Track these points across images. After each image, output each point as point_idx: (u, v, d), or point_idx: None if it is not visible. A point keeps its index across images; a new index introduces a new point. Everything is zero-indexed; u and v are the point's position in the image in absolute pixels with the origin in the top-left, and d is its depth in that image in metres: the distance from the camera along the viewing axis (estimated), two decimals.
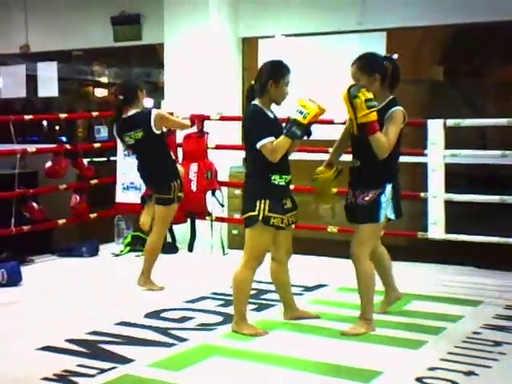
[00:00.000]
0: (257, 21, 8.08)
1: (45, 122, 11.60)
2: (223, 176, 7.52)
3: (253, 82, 4.63)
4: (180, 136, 7.35)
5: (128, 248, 7.33)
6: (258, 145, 4.39)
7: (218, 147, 7.32)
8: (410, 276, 6.16)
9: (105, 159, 9.03)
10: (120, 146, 7.62)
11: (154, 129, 5.67)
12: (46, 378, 3.85)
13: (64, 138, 8.20)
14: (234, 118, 7.32)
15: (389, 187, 4.46)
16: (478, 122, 6.84)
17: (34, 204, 6.94)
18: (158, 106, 9.39)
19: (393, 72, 4.49)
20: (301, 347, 4.36)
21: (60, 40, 9.68)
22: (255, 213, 4.42)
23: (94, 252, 7.22)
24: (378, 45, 7.57)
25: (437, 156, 6.38)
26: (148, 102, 9.32)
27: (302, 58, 7.83)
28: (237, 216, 7.41)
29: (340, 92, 4.36)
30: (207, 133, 7.29)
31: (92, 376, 3.89)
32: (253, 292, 5.26)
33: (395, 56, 4.55)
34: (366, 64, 4.46)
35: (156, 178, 5.81)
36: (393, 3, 7.41)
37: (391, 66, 4.50)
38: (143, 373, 3.95)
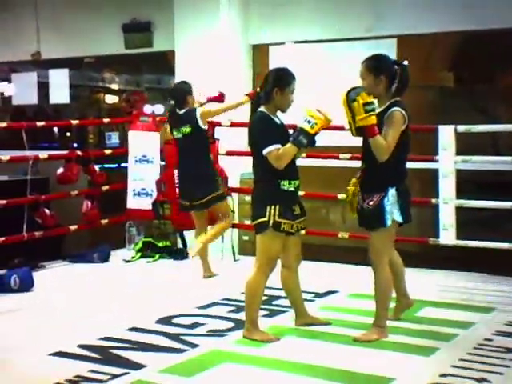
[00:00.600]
0: (267, 28, 8.09)
1: (56, 129, 11.65)
2: (234, 182, 7.53)
3: (258, 89, 4.66)
4: None
5: (139, 254, 7.35)
6: (265, 151, 4.42)
7: (228, 153, 7.33)
8: (421, 282, 6.14)
9: (116, 165, 9.07)
10: (132, 152, 7.68)
11: (200, 124, 6.20)
12: None
13: (75, 145, 8.25)
14: (244, 124, 7.29)
15: (392, 191, 4.43)
16: (489, 127, 6.83)
17: (46, 210, 6.98)
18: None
19: (401, 77, 4.48)
20: (312, 353, 4.36)
21: (71, 47, 9.72)
22: (265, 218, 4.44)
23: (105, 258, 7.24)
24: (388, 52, 7.56)
25: (448, 162, 6.37)
26: (158, 109, 9.39)
27: (313, 64, 7.84)
28: (247, 222, 7.41)
29: (340, 95, 4.38)
30: (218, 139, 7.30)
31: (104, 382, 3.90)
32: (264, 298, 5.26)
33: (406, 62, 4.52)
34: (374, 64, 4.48)
35: (205, 178, 6.24)
36: (403, 10, 7.42)
37: (401, 70, 4.48)
38: (155, 378, 3.96)
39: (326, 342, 4.58)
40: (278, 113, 4.64)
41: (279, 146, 4.40)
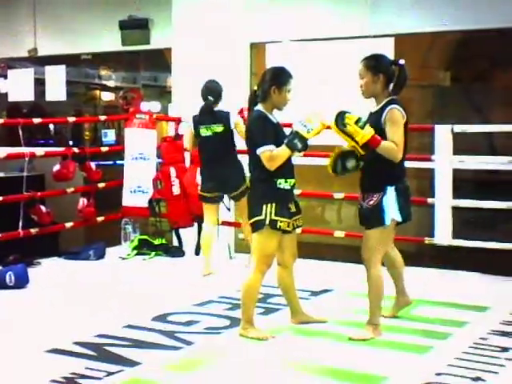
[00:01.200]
0: (265, 26, 8.09)
1: (51, 126, 11.65)
2: None
3: (255, 88, 4.68)
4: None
5: (135, 251, 7.34)
6: (258, 151, 4.44)
7: None
8: (416, 281, 6.13)
9: (112, 163, 9.06)
10: (129, 149, 7.67)
11: (232, 126, 6.39)
12: (53, 381, 3.86)
13: (70, 142, 8.24)
14: None
15: (391, 190, 4.46)
16: (485, 127, 6.85)
17: (42, 207, 6.98)
18: (165, 110, 9.44)
19: (399, 76, 4.53)
20: (307, 352, 4.37)
21: (68, 44, 9.72)
22: (262, 217, 4.45)
23: (100, 255, 7.24)
24: (385, 50, 7.58)
25: (444, 162, 6.39)
26: (154, 106, 9.39)
27: (310, 63, 7.84)
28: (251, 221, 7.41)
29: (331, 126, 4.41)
30: None
31: (99, 379, 3.90)
32: (260, 296, 5.27)
33: (402, 61, 4.56)
34: (373, 63, 4.54)
35: (238, 171, 6.40)
36: (401, 9, 7.42)
37: (398, 70, 4.53)
38: (150, 376, 3.96)
39: (321, 340, 4.59)
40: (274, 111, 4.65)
41: (273, 146, 4.42)
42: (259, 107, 4.59)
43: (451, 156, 6.40)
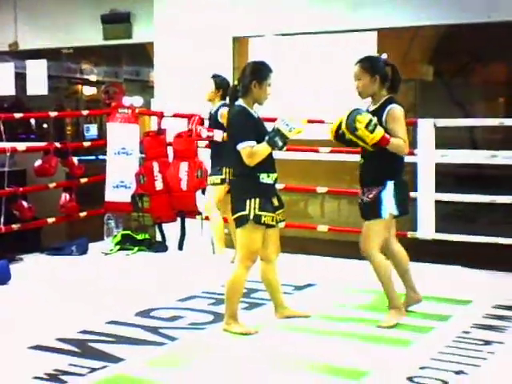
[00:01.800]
0: (248, 20, 8.08)
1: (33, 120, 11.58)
2: None
3: (236, 83, 4.67)
4: (171, 135, 7.35)
5: (118, 247, 7.31)
6: (239, 147, 4.44)
7: (208, 146, 7.31)
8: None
9: (94, 157, 9.03)
10: (111, 144, 7.63)
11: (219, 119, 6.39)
12: (36, 377, 3.84)
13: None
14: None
15: (390, 184, 4.63)
16: (468, 121, 6.88)
17: (24, 202, 6.93)
18: (147, 104, 9.41)
19: (394, 76, 4.75)
20: (291, 346, 4.37)
21: (49, 38, 9.66)
22: (246, 212, 4.45)
23: (83, 251, 7.20)
24: (368, 44, 7.60)
25: (427, 156, 6.41)
26: (137, 101, 9.35)
27: (293, 57, 7.85)
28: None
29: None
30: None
31: (83, 375, 3.88)
32: (243, 291, 5.29)
33: (384, 56, 4.76)
34: (369, 65, 4.72)
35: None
36: (383, 4, 7.43)
37: (391, 70, 4.75)
38: (134, 372, 3.95)
39: (304, 334, 4.59)
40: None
41: (253, 143, 4.42)
42: (240, 102, 4.58)
43: (434, 150, 6.42)
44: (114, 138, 7.68)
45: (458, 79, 8.52)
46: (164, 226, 7.47)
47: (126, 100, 8.00)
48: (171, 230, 7.43)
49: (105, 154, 7.81)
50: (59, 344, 4.37)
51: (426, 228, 6.45)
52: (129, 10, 8.91)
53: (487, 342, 4.41)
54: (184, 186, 7.17)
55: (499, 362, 4.12)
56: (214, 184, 6.48)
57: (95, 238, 7.64)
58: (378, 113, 4.64)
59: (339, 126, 4.73)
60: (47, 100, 10.73)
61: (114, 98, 7.90)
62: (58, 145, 7.29)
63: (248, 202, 4.44)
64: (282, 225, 4.77)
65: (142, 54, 9.39)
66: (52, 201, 7.36)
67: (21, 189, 6.96)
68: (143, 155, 7.59)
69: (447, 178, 7.39)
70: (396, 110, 4.63)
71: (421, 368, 3.97)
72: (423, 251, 6.89)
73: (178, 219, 7.36)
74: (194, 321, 4.89)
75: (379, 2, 7.44)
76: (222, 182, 6.38)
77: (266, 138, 4.44)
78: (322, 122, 6.44)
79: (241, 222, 4.49)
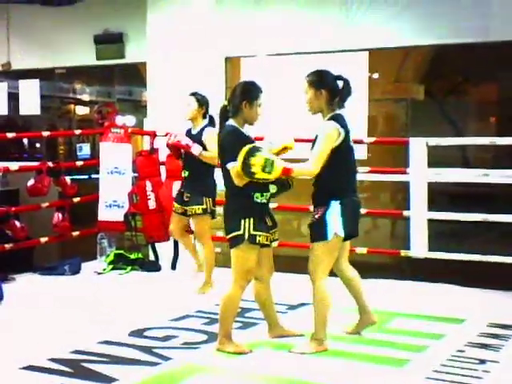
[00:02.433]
0: (240, 40, 8.12)
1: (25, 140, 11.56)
2: None
3: (226, 103, 4.67)
4: (163, 154, 7.34)
5: (111, 266, 7.29)
6: (228, 166, 4.45)
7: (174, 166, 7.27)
8: (392, 294, 6.18)
9: (87, 177, 9.01)
10: (104, 163, 7.62)
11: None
12: None
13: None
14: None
15: (335, 204, 4.48)
16: (460, 140, 6.91)
17: (16, 222, 6.91)
18: (140, 124, 9.42)
19: (343, 91, 4.57)
20: (285, 366, 4.36)
21: (42, 58, 9.68)
22: (241, 232, 4.44)
23: (76, 270, 7.18)
24: (359, 64, 7.65)
25: (419, 175, 6.43)
26: (130, 120, 9.36)
27: (285, 77, 7.88)
28: (219, 234, 7.39)
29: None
30: None
31: None
32: (237, 311, 5.27)
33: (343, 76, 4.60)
34: (315, 79, 4.61)
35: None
36: (375, 24, 7.48)
37: (343, 83, 4.58)
38: None
39: (298, 354, 4.57)
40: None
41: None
42: (231, 122, 4.59)
43: (426, 169, 6.44)
44: (106, 157, 7.68)
45: (450, 99, 8.56)
46: (157, 245, 7.46)
47: (119, 120, 8.01)
48: (164, 249, 7.42)
49: (98, 173, 7.80)
50: (51, 364, 4.35)
51: (419, 246, 6.46)
52: (121, 30, 8.94)
53: (482, 361, 4.40)
54: None
55: (495, 381, 4.12)
56: (196, 214, 6.24)
57: (88, 258, 7.61)
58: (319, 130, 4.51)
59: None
60: (40, 120, 10.72)
61: (106, 118, 7.91)
62: (50, 164, 7.29)
63: (243, 221, 4.43)
64: (275, 244, 4.77)
65: (135, 74, 9.41)
66: (45, 220, 7.35)
67: (13, 208, 6.95)
68: (136, 174, 7.58)
69: (441, 196, 7.42)
70: (327, 126, 4.45)
71: None
72: (417, 270, 6.91)
73: (171, 239, 7.34)
74: (187, 340, 4.86)
75: (371, 22, 7.49)
76: (204, 212, 6.22)
77: None
78: (309, 141, 6.44)
79: (236, 241, 4.48)
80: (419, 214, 6.45)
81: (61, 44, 9.44)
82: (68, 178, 7.47)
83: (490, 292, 6.30)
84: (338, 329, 4.92)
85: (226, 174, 4.54)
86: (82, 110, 12.07)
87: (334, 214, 4.48)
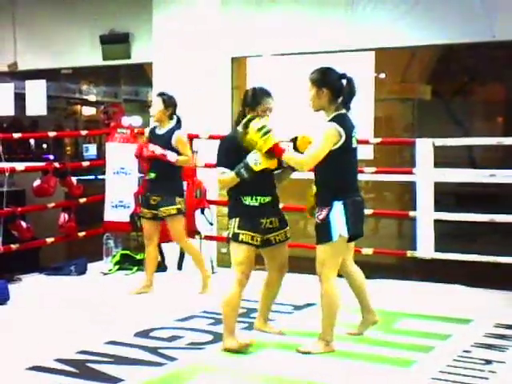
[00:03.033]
0: (246, 40, 8.11)
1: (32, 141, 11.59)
2: (212, 195, 7.51)
3: (241, 109, 4.77)
4: None
5: (117, 267, 7.30)
6: (216, 170, 4.67)
7: (207, 166, 7.32)
8: (399, 294, 6.17)
9: (93, 177, 9.02)
10: (110, 164, 7.62)
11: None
12: None
13: (51, 157, 8.17)
14: (223, 137, 7.31)
15: (337, 204, 4.43)
16: (466, 141, 6.88)
17: (22, 222, 6.91)
18: (146, 124, 9.41)
19: (346, 90, 4.51)
20: (291, 367, 4.35)
21: (48, 58, 9.68)
22: (229, 230, 4.67)
23: (82, 271, 7.19)
24: (366, 64, 7.63)
25: (425, 175, 6.41)
26: (136, 120, 9.36)
27: (291, 77, 7.86)
28: (226, 234, 7.39)
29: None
30: (196, 151, 7.29)
31: None
32: (242, 311, 5.28)
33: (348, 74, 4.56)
34: (317, 77, 4.56)
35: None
36: (381, 23, 7.46)
37: (347, 83, 4.52)
38: None
39: (305, 354, 4.56)
40: None
41: (224, 169, 4.61)
42: (239, 127, 4.62)
43: (432, 169, 6.42)
44: (113, 157, 7.69)
45: (457, 99, 8.54)
46: (163, 245, 7.45)
47: (125, 120, 8.01)
48: (170, 249, 7.41)
49: (104, 173, 7.81)
50: (57, 365, 4.35)
51: (426, 247, 6.44)
52: (127, 30, 8.94)
53: (488, 362, 4.39)
54: None
55: (501, 382, 4.11)
56: (170, 215, 6.14)
57: (94, 258, 7.62)
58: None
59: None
60: (46, 120, 10.75)
61: (113, 118, 7.91)
62: (56, 165, 7.30)
63: (231, 221, 4.66)
64: (283, 245, 4.80)
65: (141, 75, 9.41)
66: (51, 221, 7.35)
67: (19, 209, 6.96)
68: (142, 175, 7.58)
69: (448, 196, 7.40)
70: (327, 128, 4.38)
71: None
72: (423, 270, 6.89)
73: None
74: (193, 341, 4.86)
75: (377, 22, 7.47)
76: (179, 211, 6.15)
77: (236, 168, 4.55)
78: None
79: (227, 239, 4.73)
80: (426, 215, 6.43)
81: (67, 44, 9.45)
82: (74, 179, 7.48)
83: (496, 292, 6.28)
84: (342, 330, 4.90)
85: None
86: (88, 111, 12.10)
87: (338, 215, 4.44)
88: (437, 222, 6.42)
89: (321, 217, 4.49)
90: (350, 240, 4.55)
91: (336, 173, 4.45)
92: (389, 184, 7.61)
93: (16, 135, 7.23)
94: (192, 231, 7.20)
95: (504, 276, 6.35)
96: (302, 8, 7.84)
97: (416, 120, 8.43)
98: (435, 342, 4.80)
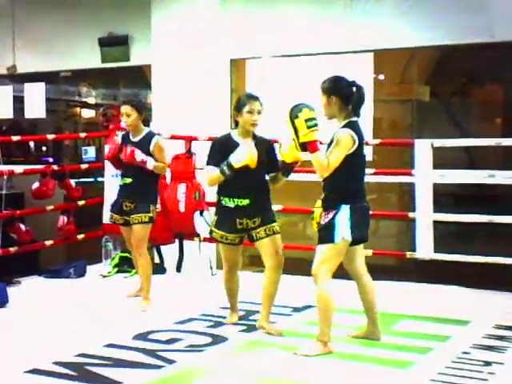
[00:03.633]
0: (244, 42, 8.10)
1: (32, 143, 11.59)
2: (211, 197, 7.49)
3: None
4: (168, 157, 7.33)
5: (116, 269, 7.29)
6: (204, 167, 5.10)
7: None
8: (398, 296, 6.16)
9: (92, 180, 9.02)
10: (109, 166, 7.61)
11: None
12: None
13: (51, 159, 8.17)
14: None
15: (345, 208, 4.49)
16: (465, 141, 6.88)
17: (21, 225, 6.92)
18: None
19: (355, 98, 4.58)
20: (289, 368, 4.34)
21: (47, 61, 9.67)
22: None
23: (81, 273, 7.18)
24: (365, 65, 7.63)
25: (424, 176, 6.41)
26: None
27: (290, 79, 7.87)
28: None
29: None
30: (195, 153, 7.29)
31: None
32: (241, 313, 5.31)
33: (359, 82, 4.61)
34: (327, 86, 4.65)
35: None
36: (380, 25, 7.45)
37: (356, 91, 4.58)
38: None
39: (303, 356, 4.56)
40: None
41: (211, 167, 4.96)
42: (231, 131, 5.09)
43: (431, 170, 6.42)
44: None
45: (455, 100, 8.54)
46: (162, 248, 7.45)
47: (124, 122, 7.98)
48: (169, 252, 7.41)
49: (103, 176, 7.80)
50: (56, 368, 4.34)
51: (425, 248, 6.43)
52: (126, 32, 8.93)
53: (487, 363, 4.38)
54: (182, 207, 7.16)
55: (500, 383, 4.09)
56: (141, 222, 5.85)
57: (93, 261, 7.61)
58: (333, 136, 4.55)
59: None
60: (45, 123, 10.74)
61: (111, 121, 7.90)
62: (55, 167, 7.29)
63: (213, 218, 5.19)
64: (265, 240, 4.99)
65: (140, 77, 9.41)
66: (50, 223, 7.35)
67: (18, 211, 6.96)
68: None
69: (447, 197, 7.40)
70: (342, 136, 4.46)
71: None
72: (422, 271, 6.89)
73: (176, 241, 7.34)
74: (192, 343, 4.85)
75: (375, 23, 7.47)
76: (150, 220, 5.88)
77: (220, 166, 4.86)
78: (319, 143, 6.43)
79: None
80: (425, 216, 6.43)
81: (66, 47, 9.44)
82: (73, 181, 7.47)
83: (495, 294, 6.27)
84: (342, 331, 4.90)
85: None
86: (87, 113, 12.10)
87: (343, 218, 4.49)
88: (436, 223, 6.42)
89: (326, 220, 4.53)
90: (353, 243, 4.58)
91: (346, 178, 4.51)
92: (388, 185, 7.61)
93: (15, 138, 7.23)
94: (191, 233, 7.21)
95: (504, 277, 6.34)
96: (300, 10, 7.83)
97: (415, 121, 8.44)
98: (434, 344, 4.79)
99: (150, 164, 5.73)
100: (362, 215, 4.58)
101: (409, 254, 6.54)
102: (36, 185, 7.10)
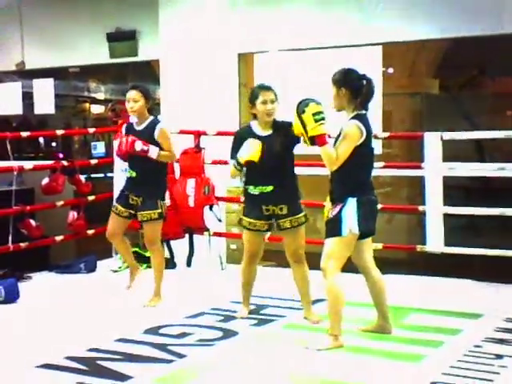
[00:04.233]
0: (252, 36, 8.09)
1: (41, 139, 11.62)
2: (221, 191, 7.51)
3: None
4: (177, 152, 7.33)
5: (126, 264, 7.29)
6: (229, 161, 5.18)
7: (214, 162, 7.31)
8: (409, 289, 6.14)
9: (102, 175, 9.02)
10: (118, 161, 7.62)
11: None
12: None
13: (61, 155, 8.14)
14: (230, 133, 7.29)
15: (352, 201, 4.50)
16: (475, 134, 6.85)
17: (32, 221, 6.93)
18: None
19: (365, 91, 4.58)
20: (300, 362, 4.34)
21: (56, 57, 9.68)
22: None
23: (92, 268, 7.20)
24: (374, 59, 7.60)
25: (434, 169, 6.39)
26: None
27: (298, 72, 7.85)
28: (234, 231, 7.39)
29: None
30: (204, 148, 7.29)
31: None
32: (252, 307, 5.31)
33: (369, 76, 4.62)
34: (337, 78, 4.65)
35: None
36: (389, 18, 7.42)
37: (365, 84, 4.58)
38: None
39: (314, 350, 4.55)
40: None
41: (232, 160, 5.09)
42: (251, 122, 5.16)
43: (441, 163, 6.40)
44: None
45: (464, 92, 8.51)
46: (172, 242, 7.45)
47: (133, 117, 7.99)
48: (179, 246, 7.41)
49: (113, 171, 7.81)
50: (68, 362, 4.35)
51: (435, 241, 6.41)
52: (134, 27, 8.93)
53: (499, 356, 4.37)
54: (191, 202, 7.15)
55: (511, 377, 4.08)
56: (151, 220, 5.76)
57: (103, 256, 7.63)
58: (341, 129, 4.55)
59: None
60: (55, 119, 10.76)
61: (120, 116, 7.90)
62: (65, 163, 7.30)
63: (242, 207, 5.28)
64: (288, 232, 5.15)
65: (148, 72, 9.41)
66: (60, 219, 7.36)
67: (28, 207, 6.97)
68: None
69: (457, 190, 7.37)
70: (350, 128, 4.47)
71: (432, 383, 3.93)
72: (433, 265, 6.87)
73: (186, 236, 7.34)
74: (202, 337, 4.86)
75: (384, 16, 7.44)
76: (160, 216, 5.78)
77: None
78: (328, 136, 6.42)
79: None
80: (435, 209, 6.41)
81: (74, 42, 9.45)
82: (82, 177, 7.48)
83: (506, 287, 6.25)
84: (352, 325, 4.90)
85: None
86: (96, 109, 12.11)
87: (350, 211, 4.49)
88: (447, 216, 6.40)
89: (334, 213, 4.54)
90: (361, 237, 4.57)
91: (353, 170, 4.51)
92: (398, 179, 7.59)
93: (24, 134, 7.24)
94: (201, 228, 7.20)
95: None
96: (309, 3, 7.81)
97: (424, 114, 8.41)
98: (446, 337, 4.78)
99: (154, 153, 5.55)
100: (369, 208, 4.58)
101: (419, 248, 6.52)
102: (46, 180, 7.11)
